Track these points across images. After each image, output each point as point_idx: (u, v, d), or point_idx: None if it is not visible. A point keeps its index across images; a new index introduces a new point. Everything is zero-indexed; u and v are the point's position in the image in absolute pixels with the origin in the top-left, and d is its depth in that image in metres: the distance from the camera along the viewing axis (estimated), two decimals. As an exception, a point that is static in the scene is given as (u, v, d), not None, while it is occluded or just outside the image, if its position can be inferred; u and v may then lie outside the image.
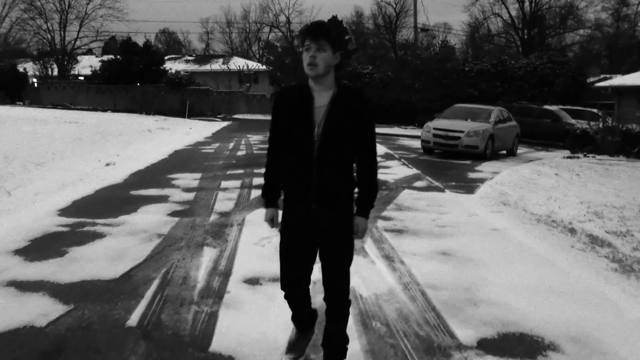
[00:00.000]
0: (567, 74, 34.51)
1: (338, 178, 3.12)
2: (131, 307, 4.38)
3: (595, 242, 7.30)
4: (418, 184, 11.38)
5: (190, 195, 9.18)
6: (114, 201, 8.55)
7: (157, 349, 3.70)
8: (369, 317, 4.34)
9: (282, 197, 3.28)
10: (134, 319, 4.16)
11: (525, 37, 52.63)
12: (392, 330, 4.13)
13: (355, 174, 3.24)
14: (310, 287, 3.43)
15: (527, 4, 52.43)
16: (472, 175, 13.53)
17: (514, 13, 53.61)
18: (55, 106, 39.72)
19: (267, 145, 3.34)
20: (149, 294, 4.69)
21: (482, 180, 12.36)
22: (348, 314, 3.39)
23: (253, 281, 5.06)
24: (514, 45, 55.49)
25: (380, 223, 7.57)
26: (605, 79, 38.48)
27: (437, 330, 4.16)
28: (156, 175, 11.39)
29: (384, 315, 4.39)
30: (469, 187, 11.43)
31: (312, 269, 3.32)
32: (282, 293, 3.42)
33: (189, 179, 10.96)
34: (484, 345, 3.94)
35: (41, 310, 4.26)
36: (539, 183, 12.31)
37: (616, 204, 10.03)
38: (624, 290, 5.33)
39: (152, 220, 7.32)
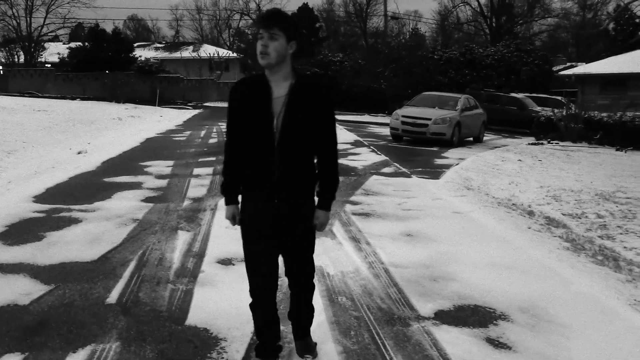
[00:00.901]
0: (533, 62, 35.24)
1: (300, 170, 3.06)
2: (110, 286, 4.62)
3: (551, 223, 7.72)
4: (386, 170, 11.73)
5: (163, 182, 9.38)
6: (88, 188, 8.72)
7: (137, 323, 3.95)
8: (335, 292, 4.65)
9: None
10: (113, 297, 4.40)
11: (494, 25, 53.31)
12: (356, 304, 4.44)
13: (315, 167, 3.19)
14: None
15: (495, -8, 53.02)
16: (438, 161, 13.94)
17: (482, 1, 54.25)
18: (22, 94, 39.16)
19: None
20: (126, 274, 4.93)
21: (447, 166, 12.77)
22: (313, 285, 3.41)
23: (226, 262, 5.33)
24: (482, 33, 56.18)
25: (349, 207, 7.88)
26: (572, 67, 39.28)
27: (398, 304, 4.48)
28: (128, 162, 11.54)
29: (349, 291, 4.70)
30: (435, 172, 11.82)
31: (278, 265, 3.22)
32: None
33: (162, 166, 11.14)
34: (440, 316, 4.27)
35: (23, 290, 4.48)
36: (503, 168, 12.76)
37: (574, 188, 10.49)
38: (572, 266, 5.73)
39: (126, 206, 7.53)
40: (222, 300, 4.37)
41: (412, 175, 11.11)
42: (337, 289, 4.73)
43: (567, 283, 5.15)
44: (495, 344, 3.85)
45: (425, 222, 7.20)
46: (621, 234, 7.33)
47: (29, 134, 16.00)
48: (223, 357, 3.51)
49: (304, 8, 50.01)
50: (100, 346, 3.59)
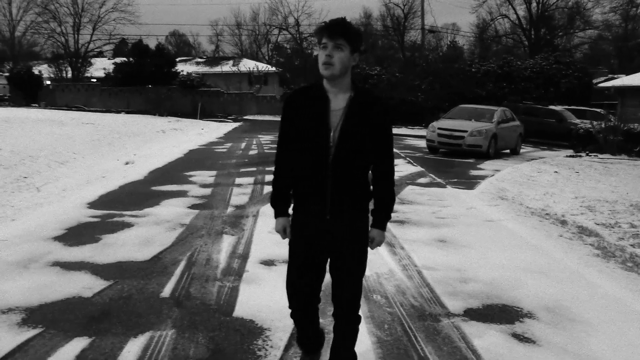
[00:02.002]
0: (572, 75, 34.97)
1: (354, 186, 2.95)
2: (163, 283, 5.04)
3: (583, 232, 7.89)
4: (421, 180, 12.00)
5: (207, 191, 9.84)
6: (137, 195, 9.22)
7: (189, 314, 4.35)
8: (370, 291, 4.97)
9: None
10: (166, 292, 4.82)
11: (532, 37, 52.98)
12: (390, 301, 4.76)
13: (370, 183, 3.09)
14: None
15: (534, 4, 52.76)
16: (473, 172, 14.14)
17: (521, 14, 53.98)
18: (69, 108, 40.54)
19: None
20: (177, 272, 5.34)
21: (482, 177, 12.96)
22: (357, 330, 3.21)
23: (268, 262, 5.70)
24: (521, 45, 55.86)
25: (384, 215, 8.18)
26: (612, 79, 38.84)
27: (430, 302, 4.78)
28: (174, 172, 12.06)
29: (384, 290, 5.02)
30: (470, 183, 12.04)
31: (322, 284, 3.16)
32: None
33: (205, 176, 11.63)
34: (469, 313, 4.56)
35: (86, 285, 4.92)
36: (538, 180, 12.89)
37: (609, 198, 10.59)
38: (601, 271, 5.94)
39: (174, 212, 7.98)
40: (265, 296, 4.73)
41: (447, 186, 11.37)
42: (372, 288, 5.05)
43: (593, 286, 5.37)
44: (520, 338, 4.12)
45: (457, 229, 7.47)
46: (653, 243, 7.46)
47: (78, 146, 16.73)
48: (267, 344, 3.87)
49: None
50: (158, 333, 3.99)
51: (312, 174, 2.92)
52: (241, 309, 4.47)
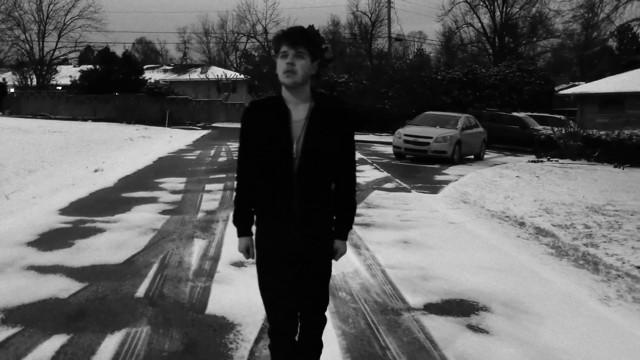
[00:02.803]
0: (535, 82, 35.91)
1: (320, 198, 2.87)
2: (137, 284, 5.23)
3: (540, 233, 8.28)
4: (387, 185, 12.34)
5: (177, 197, 10.01)
6: (108, 202, 9.35)
7: (163, 312, 4.55)
8: (336, 289, 5.23)
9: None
10: (140, 292, 5.01)
11: (497, 45, 54.11)
12: (354, 298, 5.03)
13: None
14: None
15: (497, 13, 53.93)
16: (438, 177, 14.55)
17: (486, 22, 55.10)
18: (35, 116, 40.14)
19: None
20: (150, 273, 5.54)
21: (446, 182, 13.37)
22: (325, 319, 3.10)
23: (239, 264, 5.92)
24: (486, 53, 56.99)
25: (351, 218, 8.47)
26: (574, 86, 39.93)
27: (392, 298, 5.07)
28: (144, 179, 12.19)
29: (349, 288, 5.28)
30: (434, 187, 12.42)
31: (298, 304, 2.96)
32: None
33: (175, 182, 11.79)
34: (429, 308, 4.85)
35: (61, 287, 5.09)
36: (500, 184, 13.32)
37: (566, 201, 11.04)
38: (554, 268, 6.30)
39: (145, 217, 8.15)
40: (236, 295, 4.96)
41: (411, 190, 11.72)
42: (338, 286, 5.31)
43: (545, 282, 5.72)
44: (475, 329, 4.42)
45: (421, 231, 7.79)
46: (605, 242, 7.86)
47: (46, 154, 16.70)
48: (239, 338, 4.10)
49: (311, 30, 51.03)
50: (134, 329, 4.19)
51: (276, 188, 2.82)
52: (213, 307, 4.69)
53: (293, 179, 2.79)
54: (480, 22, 55.19)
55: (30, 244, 6.56)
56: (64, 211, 8.51)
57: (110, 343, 3.95)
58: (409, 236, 7.47)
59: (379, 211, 9.17)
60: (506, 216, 9.42)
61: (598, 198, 11.58)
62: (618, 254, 7.22)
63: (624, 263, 6.79)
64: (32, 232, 7.13)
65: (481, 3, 53.72)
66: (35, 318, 4.37)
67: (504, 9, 53.95)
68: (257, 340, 4.05)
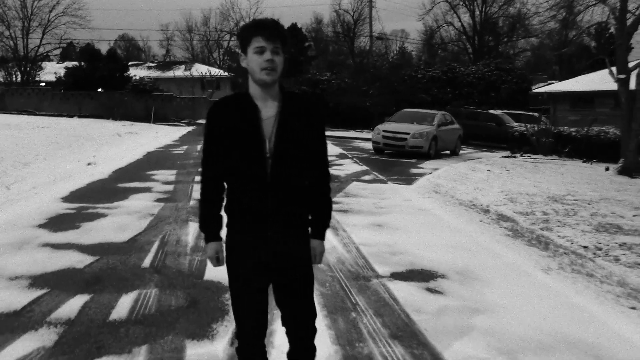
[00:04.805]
0: (512, 81, 36.98)
1: (295, 197, 2.74)
2: (142, 257, 6.00)
3: (501, 219, 9.15)
4: (365, 177, 13.19)
5: (170, 187, 10.77)
6: (106, 191, 10.08)
7: (167, 278, 5.34)
8: (315, 261, 6.03)
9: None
10: (146, 263, 5.79)
11: (476, 44, 55.26)
12: (331, 268, 5.85)
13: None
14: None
15: (477, 13, 55.09)
16: (414, 170, 15.44)
17: (467, 20, 56.19)
18: (20, 112, 40.45)
19: None
20: (153, 249, 6.31)
21: (421, 175, 14.25)
22: (314, 329, 2.96)
23: (230, 242, 6.70)
24: (466, 52, 58.12)
25: (330, 206, 9.28)
26: (550, 85, 41.05)
27: (364, 268, 5.89)
28: (136, 172, 12.91)
29: (327, 261, 6.09)
30: (409, 179, 13.29)
31: (267, 305, 2.86)
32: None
33: (166, 174, 12.53)
34: (394, 275, 5.69)
35: (76, 259, 5.85)
36: (471, 177, 14.22)
37: (530, 192, 11.96)
38: (507, 246, 7.17)
39: (142, 204, 8.90)
40: (230, 265, 5.75)
41: (387, 182, 12.58)
42: (317, 259, 6.12)
43: (497, 256, 6.59)
44: (432, 290, 5.26)
45: (393, 216, 8.63)
46: (559, 226, 8.75)
47: (38, 148, 17.34)
48: (233, 297, 4.89)
49: (293, 28, 51.78)
50: (144, 291, 4.97)
51: (249, 190, 2.68)
52: (210, 275, 5.47)
53: (266, 179, 2.66)
54: (460, 21, 56.35)
55: (41, 226, 7.30)
56: (66, 199, 9.23)
57: (126, 300, 4.73)
58: (382, 220, 8.30)
59: (356, 200, 10.00)
60: (473, 204, 10.29)
61: (561, 189, 12.51)
62: (568, 235, 8.11)
63: (572, 243, 7.68)
64: (40, 217, 7.85)
65: (461, 2, 54.84)
66: (58, 283, 5.13)
67: (484, 9, 55.17)
68: (249, 298, 4.85)
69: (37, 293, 4.84)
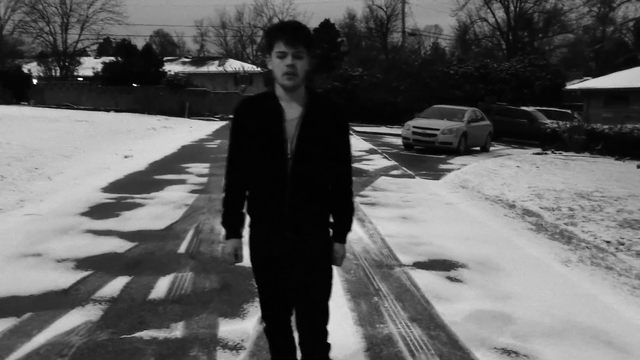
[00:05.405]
0: (546, 77, 36.67)
1: (315, 199, 2.77)
2: (178, 244, 6.37)
3: (527, 213, 9.31)
4: (394, 172, 13.44)
5: (203, 179, 11.17)
6: (143, 182, 10.52)
7: (202, 263, 5.69)
8: (342, 250, 6.33)
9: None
10: (182, 249, 6.16)
11: (511, 40, 54.77)
12: (357, 257, 6.13)
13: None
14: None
15: (512, 8, 54.59)
16: (442, 166, 15.61)
17: (501, 15, 55.72)
18: (59, 106, 41.50)
19: None
20: (188, 237, 6.68)
21: (450, 170, 14.43)
22: (328, 345, 2.94)
23: (260, 231, 7.04)
24: (499, 48, 57.65)
25: (358, 199, 9.56)
26: (585, 81, 40.56)
27: (387, 258, 6.16)
28: (171, 164, 13.37)
29: (352, 250, 6.37)
30: (437, 175, 13.49)
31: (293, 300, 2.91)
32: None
33: (200, 167, 12.95)
34: (417, 265, 5.95)
35: (117, 245, 6.24)
36: (500, 173, 14.33)
37: (558, 188, 12.04)
38: (529, 239, 7.37)
39: (177, 195, 9.30)
40: (260, 252, 6.08)
41: (415, 177, 12.81)
42: (343, 248, 6.41)
43: (518, 248, 6.80)
44: (452, 279, 5.52)
45: (418, 210, 8.87)
46: (584, 221, 8.87)
47: (78, 141, 17.93)
48: (263, 281, 5.21)
49: (326, 24, 51.98)
50: (180, 274, 5.33)
51: (268, 189, 2.73)
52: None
53: (286, 180, 2.70)
54: (494, 16, 55.87)
55: (84, 214, 7.73)
56: (105, 189, 9.68)
57: (164, 282, 5.09)
58: (408, 213, 8.55)
59: (383, 193, 10.25)
60: (499, 200, 10.46)
61: (589, 186, 12.56)
62: (592, 230, 8.24)
63: (595, 238, 7.81)
64: (82, 206, 8.29)
65: (495, -2, 54.40)
66: (101, 265, 5.51)
67: (518, 4, 54.61)
68: (277, 282, 5.17)
69: (82, 274, 5.23)
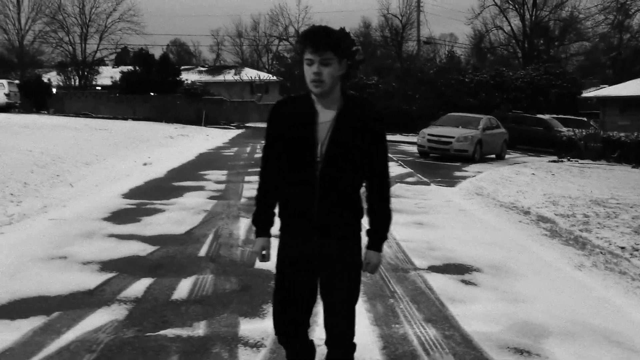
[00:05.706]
0: (562, 85, 36.58)
1: (344, 204, 2.75)
2: (198, 248, 6.54)
3: (541, 220, 9.39)
4: (409, 179, 13.56)
5: (221, 186, 11.35)
6: (162, 189, 10.73)
7: (222, 266, 5.85)
8: (358, 255, 6.46)
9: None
10: (202, 253, 6.32)
11: (526, 48, 54.69)
12: (372, 261, 6.25)
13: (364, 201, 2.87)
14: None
15: (527, 16, 54.53)
16: (457, 173, 15.69)
17: (517, 23, 55.64)
18: (78, 114, 42.02)
19: None
20: (207, 241, 6.85)
21: (465, 178, 14.50)
22: (353, 345, 2.96)
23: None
24: (515, 56, 57.57)
25: (374, 205, 9.69)
26: (602, 89, 40.40)
27: (403, 262, 6.28)
28: (189, 172, 13.58)
29: (368, 254, 6.50)
30: (452, 182, 13.58)
31: (312, 312, 2.94)
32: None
33: (218, 174, 13.15)
34: (431, 268, 6.06)
35: (139, 249, 6.42)
36: (515, 180, 14.39)
37: (573, 195, 12.09)
38: (543, 245, 7.45)
39: (196, 201, 9.49)
40: (278, 256, 6.23)
41: (430, 184, 12.91)
42: (359, 253, 6.55)
43: (532, 253, 6.89)
44: (466, 282, 5.63)
45: (433, 216, 8.98)
46: (598, 228, 8.93)
47: (97, 149, 18.23)
48: (281, 283, 5.36)
49: (341, 32, 52.30)
50: (201, 276, 5.49)
51: (298, 192, 2.75)
52: (260, 264, 5.92)
53: (315, 183, 2.70)
54: (510, 25, 55.84)
55: (106, 219, 7.93)
56: (126, 195, 9.89)
57: (185, 284, 5.25)
58: (423, 219, 8.67)
59: (399, 200, 10.37)
60: (514, 206, 10.53)
61: (605, 193, 12.59)
62: (607, 237, 8.30)
63: (609, 244, 7.88)
64: (104, 211, 8.50)
65: (511, 6, 54.41)
66: (125, 268, 5.69)
67: (534, 12, 54.55)
68: (295, 284, 5.31)
69: (107, 276, 5.41)
